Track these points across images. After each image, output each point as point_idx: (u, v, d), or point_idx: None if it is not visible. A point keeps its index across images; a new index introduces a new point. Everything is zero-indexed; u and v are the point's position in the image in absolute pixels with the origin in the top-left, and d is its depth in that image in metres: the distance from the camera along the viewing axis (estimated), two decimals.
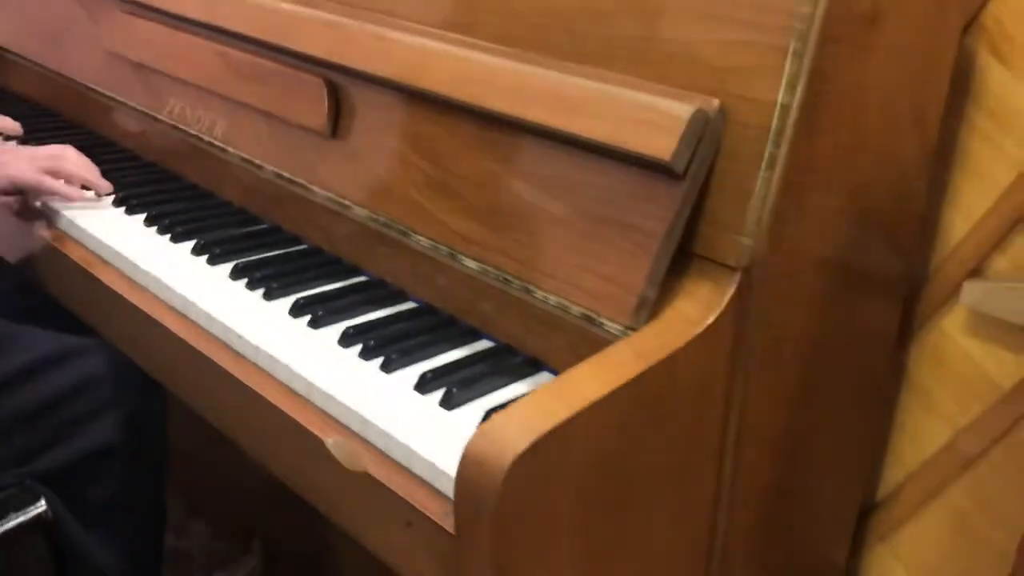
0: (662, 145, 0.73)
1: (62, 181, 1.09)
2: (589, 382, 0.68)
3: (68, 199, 1.09)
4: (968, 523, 1.12)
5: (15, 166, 1.05)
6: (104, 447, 0.99)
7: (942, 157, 1.02)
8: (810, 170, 0.77)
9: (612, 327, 0.78)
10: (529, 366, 0.86)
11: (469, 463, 0.64)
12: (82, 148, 1.31)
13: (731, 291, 0.76)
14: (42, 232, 1.10)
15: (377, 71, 0.94)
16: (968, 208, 1.03)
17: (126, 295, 0.97)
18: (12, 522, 0.92)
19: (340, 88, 1.00)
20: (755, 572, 0.95)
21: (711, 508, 0.84)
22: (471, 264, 0.88)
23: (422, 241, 0.93)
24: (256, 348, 0.87)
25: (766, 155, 0.73)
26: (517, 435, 0.64)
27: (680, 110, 0.73)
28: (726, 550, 0.87)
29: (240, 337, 0.88)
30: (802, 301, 0.84)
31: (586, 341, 0.80)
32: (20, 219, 1.13)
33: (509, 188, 0.85)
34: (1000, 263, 1.02)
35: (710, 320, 0.75)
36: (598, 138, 0.76)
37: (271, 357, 0.85)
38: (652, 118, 0.74)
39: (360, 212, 0.99)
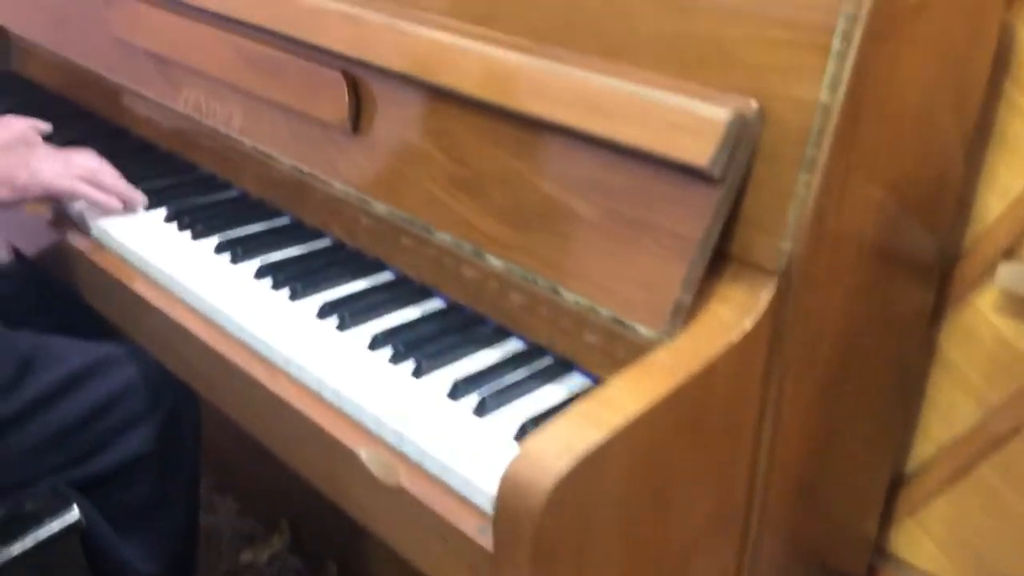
0: (699, 150, 0.71)
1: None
2: (627, 397, 0.67)
3: (106, 208, 1.06)
4: (998, 500, 1.11)
5: (51, 173, 1.03)
6: (139, 455, 0.99)
7: (979, 135, 1.00)
8: (850, 168, 0.74)
9: (643, 330, 0.77)
10: (560, 367, 0.85)
11: (509, 486, 0.63)
12: (94, 135, 1.30)
13: (769, 295, 0.75)
14: (72, 239, 1.08)
15: (399, 67, 0.91)
16: (1004, 188, 1.00)
17: (153, 300, 0.97)
18: (46, 529, 0.92)
19: (361, 82, 0.98)
20: (786, 547, 0.95)
21: (746, 498, 0.84)
22: (496, 262, 0.87)
23: (445, 238, 0.91)
24: (287, 359, 0.86)
25: (806, 157, 0.71)
26: (557, 458, 0.63)
27: (718, 114, 0.70)
28: (760, 532, 0.86)
29: (269, 346, 0.87)
30: (839, 297, 0.82)
31: (618, 342, 0.79)
32: (50, 225, 1.11)
33: (536, 188, 0.83)
34: None
35: (748, 326, 0.74)
36: (633, 142, 0.74)
37: (300, 367, 0.84)
38: (688, 122, 0.71)
39: (381, 207, 0.97)
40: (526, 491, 0.62)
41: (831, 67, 0.69)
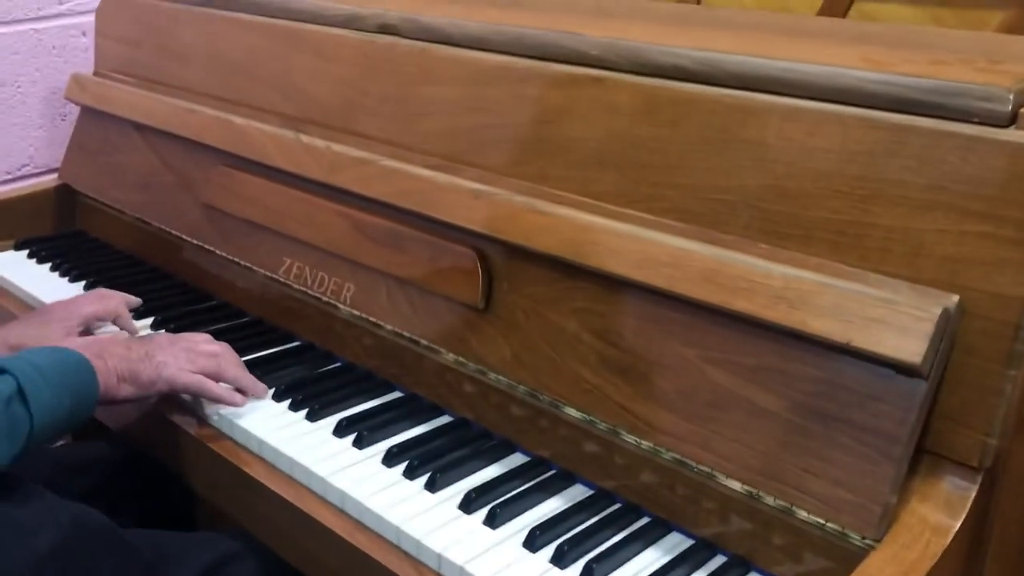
0: (909, 348, 0.68)
1: (222, 384, 1.01)
2: None
3: (230, 404, 1.01)
4: None
5: (175, 368, 0.97)
6: None
7: None
8: None
9: (850, 535, 0.73)
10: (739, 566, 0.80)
11: None
12: (182, 302, 1.27)
13: (974, 492, 0.71)
14: (174, 418, 1.03)
15: (541, 247, 0.89)
16: None
17: (279, 491, 0.91)
18: None
19: (491, 259, 0.96)
20: None
21: None
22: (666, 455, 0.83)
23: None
24: (440, 557, 0.81)
25: (1013, 352, 0.69)
26: None
27: (928, 310, 0.68)
28: None
29: (419, 543, 0.82)
30: None
31: (808, 545, 0.75)
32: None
33: (704, 375, 0.80)
34: None
35: (956, 527, 0.70)
36: (828, 336, 0.72)
37: (453, 564, 0.79)
38: (892, 317, 0.69)
39: (521, 389, 0.93)
40: None
41: None
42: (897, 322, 0.69)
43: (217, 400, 0.99)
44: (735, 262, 0.78)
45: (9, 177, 1.67)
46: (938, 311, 0.68)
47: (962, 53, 0.80)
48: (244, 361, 1.06)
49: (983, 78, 0.72)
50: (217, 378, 0.99)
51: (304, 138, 1.14)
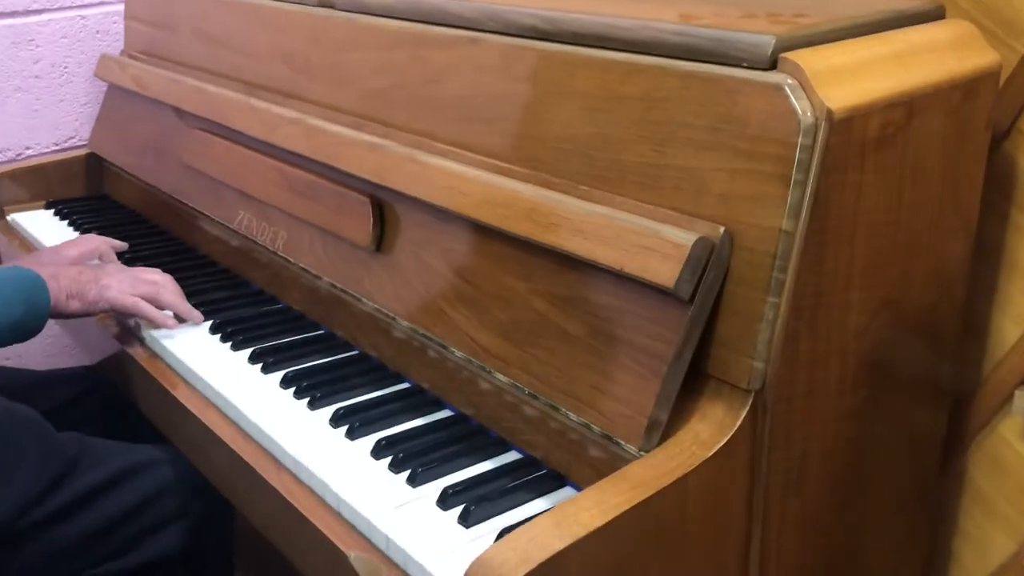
0: (666, 272, 0.74)
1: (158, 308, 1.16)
2: (589, 510, 0.70)
3: (162, 326, 1.15)
4: None
5: (117, 290, 1.13)
6: (166, 556, 1.04)
7: (990, 262, 1.00)
8: (822, 293, 0.77)
9: (629, 447, 0.79)
10: (553, 480, 0.87)
11: None
12: (167, 253, 1.42)
13: (744, 413, 0.77)
14: (129, 348, 1.18)
15: (415, 193, 0.99)
16: (1019, 314, 1.00)
17: (190, 406, 1.04)
18: None
19: (386, 206, 1.05)
20: None
21: None
22: (502, 378, 0.91)
23: (458, 354, 0.96)
24: (296, 460, 0.91)
25: (772, 280, 0.74)
26: (512, 565, 0.65)
27: (683, 238, 0.74)
28: None
29: (283, 449, 0.93)
30: (828, 418, 0.83)
31: (609, 458, 0.82)
32: (113, 336, 1.21)
33: (530, 305, 0.88)
34: None
35: (722, 443, 0.76)
36: (607, 263, 0.79)
37: (310, 471, 0.89)
38: (657, 245, 0.76)
39: (404, 324, 1.03)
40: None
41: (791, 196, 0.72)
42: (661, 250, 0.75)
43: (151, 321, 1.13)
44: (551, 201, 0.85)
45: (57, 148, 1.86)
46: (693, 239, 0.74)
47: (775, 8, 0.85)
48: (200, 302, 1.20)
49: (762, 27, 0.77)
50: (155, 303, 1.14)
51: (253, 101, 1.26)
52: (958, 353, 0.98)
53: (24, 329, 1.05)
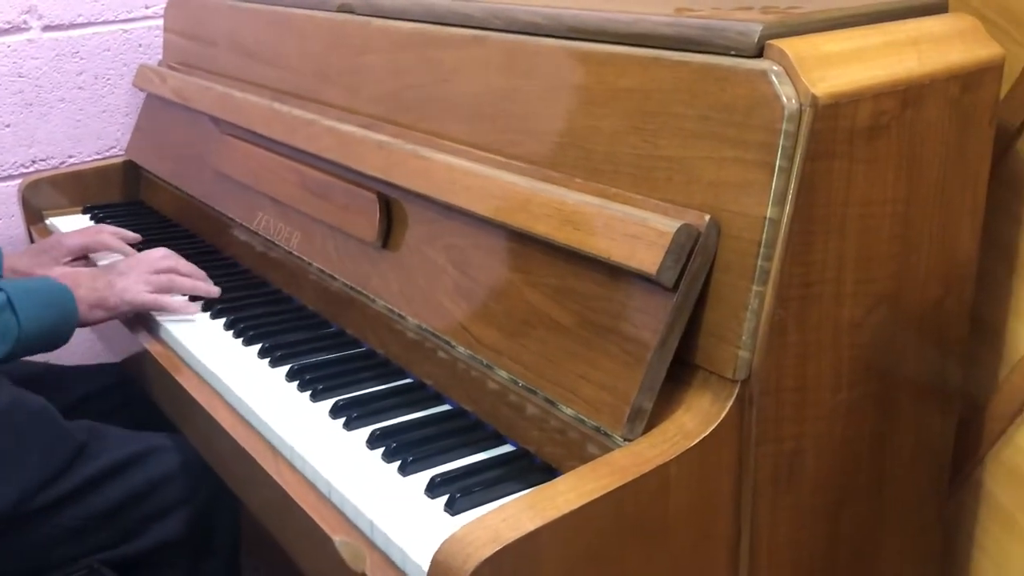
0: (650, 259, 0.74)
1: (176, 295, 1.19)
2: (565, 494, 0.69)
3: (184, 313, 1.18)
4: None
5: (133, 291, 1.16)
6: (171, 541, 1.06)
7: (1005, 266, 0.98)
8: (810, 283, 0.76)
9: (618, 438, 0.79)
10: (544, 472, 0.87)
11: (437, 567, 0.66)
12: (194, 256, 1.45)
13: (730, 404, 0.76)
14: (144, 340, 1.20)
15: (418, 188, 1.00)
16: None
17: (196, 395, 1.06)
18: None
19: (393, 203, 1.07)
20: None
21: None
22: (504, 375, 0.91)
23: (463, 352, 0.97)
24: (292, 448, 0.92)
25: (757, 268, 0.73)
26: (483, 543, 0.65)
27: (668, 225, 0.74)
28: None
29: (280, 438, 0.94)
30: (822, 414, 0.82)
31: (600, 450, 0.81)
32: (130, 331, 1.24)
33: (523, 297, 0.88)
34: None
35: (706, 433, 0.75)
36: (596, 252, 0.79)
37: (303, 459, 0.90)
38: (642, 233, 0.76)
39: (412, 323, 1.04)
40: (451, 573, 0.65)
41: (776, 183, 0.72)
42: (647, 238, 0.75)
43: (175, 312, 1.16)
44: (545, 192, 0.86)
45: (99, 157, 1.92)
46: (676, 226, 0.74)
47: (773, 1, 0.85)
48: (219, 300, 1.23)
49: (754, 17, 0.77)
50: (170, 290, 1.16)
51: (276, 105, 1.29)
52: (967, 354, 0.95)
53: (53, 339, 1.08)
